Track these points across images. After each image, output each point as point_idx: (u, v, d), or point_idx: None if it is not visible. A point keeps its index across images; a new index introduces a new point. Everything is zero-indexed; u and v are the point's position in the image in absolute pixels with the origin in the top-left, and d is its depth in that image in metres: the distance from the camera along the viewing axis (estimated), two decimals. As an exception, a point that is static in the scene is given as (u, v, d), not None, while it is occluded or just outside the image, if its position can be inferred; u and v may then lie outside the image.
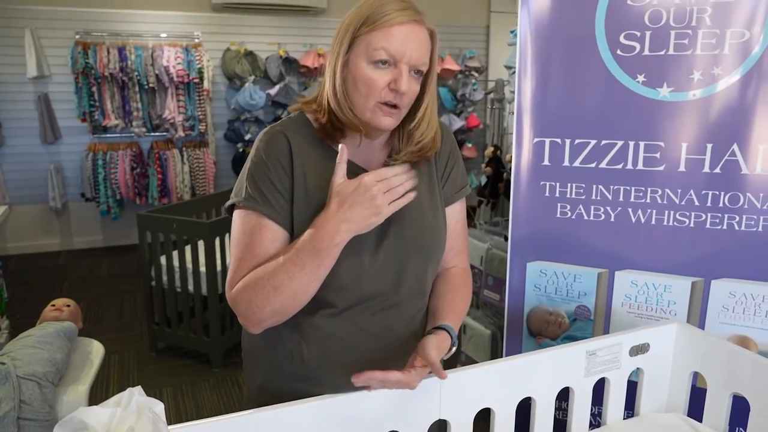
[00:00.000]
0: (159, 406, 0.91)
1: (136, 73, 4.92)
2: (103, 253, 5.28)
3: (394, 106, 0.99)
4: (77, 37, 4.86)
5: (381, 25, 0.95)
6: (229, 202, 1.04)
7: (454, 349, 1.03)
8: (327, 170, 1.01)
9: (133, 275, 4.61)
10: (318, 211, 0.98)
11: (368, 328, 1.05)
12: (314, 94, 1.06)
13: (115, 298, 4.17)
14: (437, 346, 0.98)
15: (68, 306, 2.17)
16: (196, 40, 5.19)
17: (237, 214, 1.03)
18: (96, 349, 2.08)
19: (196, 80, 5.09)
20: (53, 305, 2.16)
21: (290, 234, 1.01)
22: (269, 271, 0.95)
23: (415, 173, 1.02)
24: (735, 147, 1.50)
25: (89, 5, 4.98)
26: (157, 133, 5.24)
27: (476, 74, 6.23)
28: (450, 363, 1.02)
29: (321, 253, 0.93)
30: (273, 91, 5.37)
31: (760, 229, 1.50)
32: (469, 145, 6.31)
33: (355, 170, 1.05)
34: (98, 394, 2.71)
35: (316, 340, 1.05)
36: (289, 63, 5.48)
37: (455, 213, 1.17)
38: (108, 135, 5.14)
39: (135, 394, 0.92)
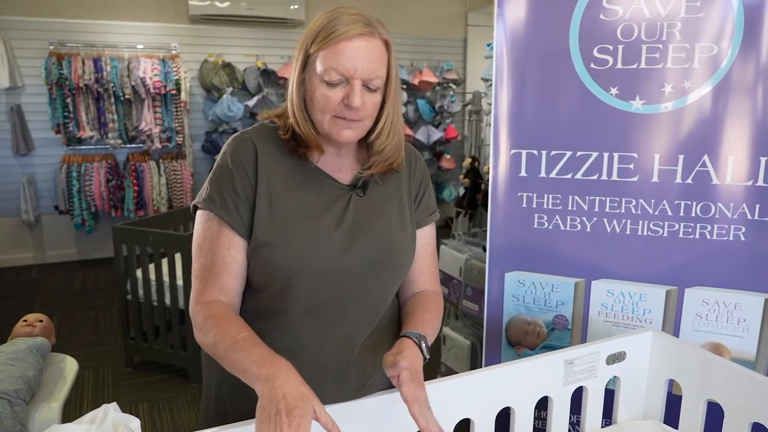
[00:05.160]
0: (135, 423, 0.89)
1: (111, 85, 4.86)
2: (77, 267, 5.18)
3: (353, 119, 0.99)
4: (51, 47, 4.80)
5: (329, 43, 0.95)
6: (193, 202, 1.07)
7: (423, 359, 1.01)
8: (293, 180, 1.04)
9: (108, 289, 4.53)
10: (280, 219, 1.00)
11: (321, 341, 1.05)
12: (283, 107, 1.08)
13: (89, 312, 4.09)
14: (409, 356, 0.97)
15: (41, 321, 2.13)
16: (173, 52, 5.16)
17: (199, 216, 1.05)
18: (69, 365, 2.04)
19: (173, 92, 5.05)
20: (25, 320, 2.12)
21: (247, 240, 1.02)
22: (218, 341, 0.94)
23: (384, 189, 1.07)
24: (706, 158, 1.53)
25: (64, 16, 4.92)
26: (133, 145, 5.17)
27: (454, 86, 6.29)
28: (430, 374, 1.03)
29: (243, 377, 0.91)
30: (251, 102, 5.35)
31: (731, 238, 1.54)
32: (448, 156, 6.35)
33: (326, 180, 1.07)
34: (72, 411, 2.65)
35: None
36: (267, 75, 5.48)
37: (426, 236, 1.17)
38: (83, 147, 5.07)
39: (110, 411, 0.90)
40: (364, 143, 1.08)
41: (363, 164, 1.09)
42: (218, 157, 1.06)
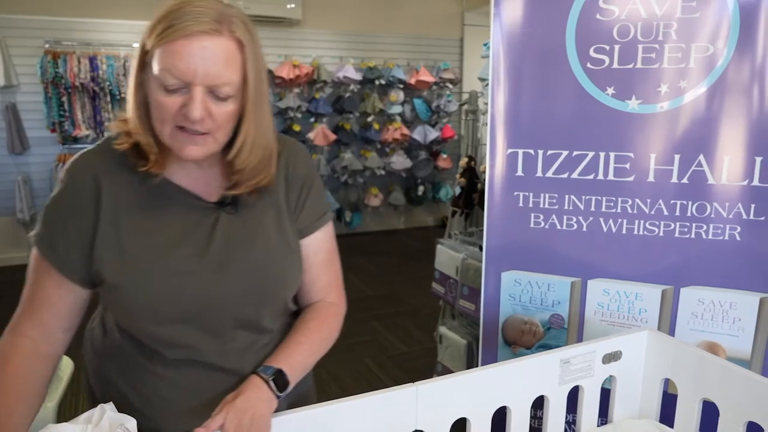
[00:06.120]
0: (131, 422, 0.89)
1: (107, 83, 4.85)
2: (72, 266, 5.16)
3: (198, 132, 0.84)
4: (47, 46, 4.78)
5: (164, 40, 0.79)
6: (31, 234, 0.96)
7: (277, 399, 0.91)
8: (145, 206, 0.90)
9: (104, 288, 4.51)
10: (131, 257, 0.88)
11: (205, 379, 0.96)
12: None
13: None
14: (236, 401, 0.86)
15: (36, 320, 2.12)
16: (170, 50, 5.15)
17: (33, 249, 0.94)
18: (65, 365, 2.03)
19: (170, 90, 5.04)
20: (21, 320, 2.10)
21: (80, 282, 0.92)
22: None
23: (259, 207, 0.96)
24: (701, 158, 1.54)
25: (59, 14, 4.90)
26: (129, 144, 5.16)
27: (451, 86, 6.29)
28: (426, 374, 1.02)
29: None
30: (247, 101, 5.34)
31: (726, 237, 1.54)
32: (444, 155, 6.36)
33: (187, 199, 0.93)
34: (68, 411, 2.64)
35: (151, 386, 0.97)
36: (263, 74, 5.47)
37: (316, 244, 1.03)
38: (79, 145, 5.04)
39: (106, 410, 0.90)
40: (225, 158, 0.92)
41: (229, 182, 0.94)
42: (56, 184, 0.91)
